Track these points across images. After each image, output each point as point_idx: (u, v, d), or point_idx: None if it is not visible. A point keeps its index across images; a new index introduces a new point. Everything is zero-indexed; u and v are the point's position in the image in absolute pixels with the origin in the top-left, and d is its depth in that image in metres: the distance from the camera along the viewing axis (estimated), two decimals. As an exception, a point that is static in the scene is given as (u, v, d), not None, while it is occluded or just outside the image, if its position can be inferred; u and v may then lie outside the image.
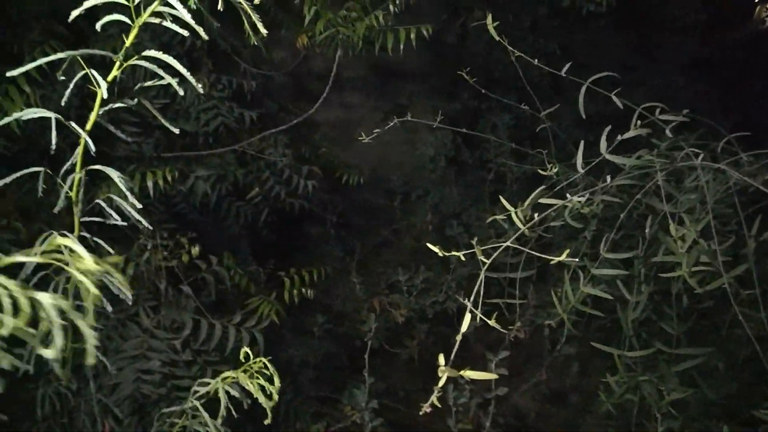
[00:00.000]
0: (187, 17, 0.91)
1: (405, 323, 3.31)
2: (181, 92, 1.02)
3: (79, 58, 0.96)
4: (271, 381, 1.24)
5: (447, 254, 1.40)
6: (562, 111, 2.27)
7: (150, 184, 2.07)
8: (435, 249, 1.39)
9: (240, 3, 1.00)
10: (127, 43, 0.98)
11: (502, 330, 2.10)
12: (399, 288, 3.37)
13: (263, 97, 3.68)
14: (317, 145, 4.07)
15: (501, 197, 1.68)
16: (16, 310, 0.56)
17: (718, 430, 1.68)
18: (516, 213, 1.60)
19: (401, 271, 3.37)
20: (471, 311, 1.12)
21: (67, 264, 0.61)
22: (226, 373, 1.29)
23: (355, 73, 5.04)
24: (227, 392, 1.29)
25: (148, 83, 1.10)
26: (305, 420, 2.65)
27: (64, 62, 0.98)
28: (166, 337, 2.12)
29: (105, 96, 0.98)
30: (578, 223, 1.87)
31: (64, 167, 1.11)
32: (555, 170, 1.82)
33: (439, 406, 1.03)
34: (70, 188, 1.08)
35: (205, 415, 1.31)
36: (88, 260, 0.59)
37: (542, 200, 1.62)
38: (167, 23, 0.96)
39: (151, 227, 1.21)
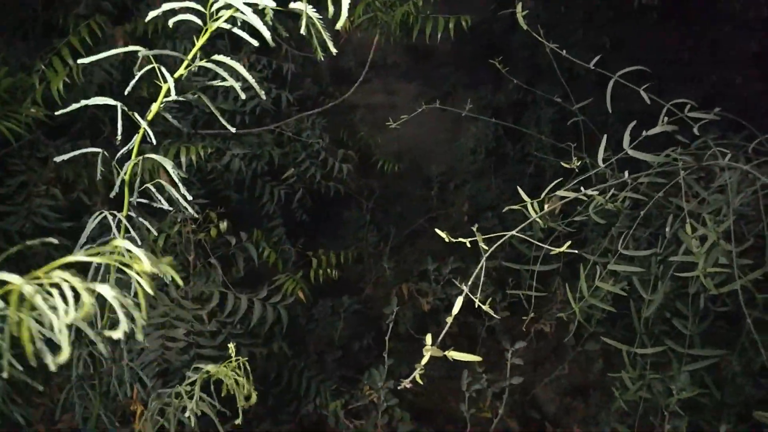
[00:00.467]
0: (260, 25, 0.92)
1: (431, 311, 3.34)
2: (243, 96, 1.05)
3: (149, 54, 0.99)
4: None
5: (470, 242, 1.41)
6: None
7: (183, 159, 2.15)
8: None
9: (313, 22, 0.97)
10: (197, 45, 1.00)
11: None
12: (428, 276, 3.40)
13: (304, 79, 3.74)
14: (356, 130, 4.11)
15: (519, 188, 1.67)
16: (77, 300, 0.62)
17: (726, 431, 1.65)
18: (531, 204, 1.59)
19: (431, 260, 3.39)
20: (467, 296, 1.13)
21: (128, 266, 0.67)
22: (209, 367, 1.35)
23: (400, 59, 5.05)
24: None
25: (214, 83, 1.13)
26: (325, 397, 2.72)
27: (133, 54, 1.00)
28: (192, 307, 2.21)
29: (173, 94, 1.02)
30: (602, 219, 1.85)
31: (119, 153, 1.15)
32: (578, 164, 1.80)
33: (421, 383, 1.06)
34: (125, 173, 1.12)
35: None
36: (146, 263, 0.65)
37: (559, 193, 1.61)
38: (237, 30, 0.97)
39: (194, 212, 1.26)
